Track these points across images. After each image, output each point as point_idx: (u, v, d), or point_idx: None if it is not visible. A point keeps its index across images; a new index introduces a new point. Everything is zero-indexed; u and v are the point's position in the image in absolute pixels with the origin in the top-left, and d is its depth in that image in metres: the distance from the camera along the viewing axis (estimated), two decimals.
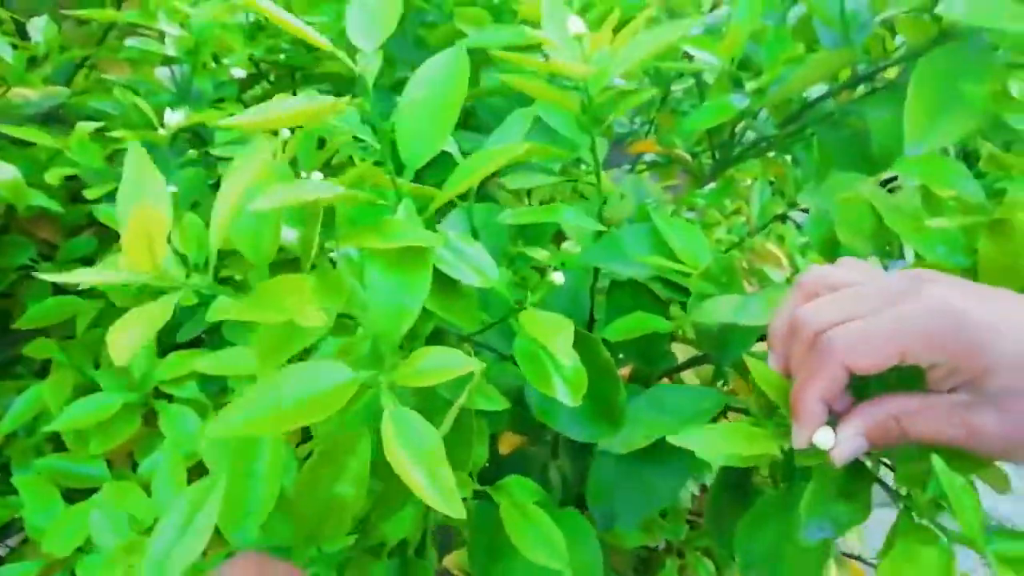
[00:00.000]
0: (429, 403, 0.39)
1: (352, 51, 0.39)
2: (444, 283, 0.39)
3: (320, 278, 0.35)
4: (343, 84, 0.84)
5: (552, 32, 0.44)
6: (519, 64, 0.45)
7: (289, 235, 0.38)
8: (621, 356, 0.55)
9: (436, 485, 0.30)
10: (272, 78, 0.86)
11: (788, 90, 0.50)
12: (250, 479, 0.38)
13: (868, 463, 0.39)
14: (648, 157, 0.98)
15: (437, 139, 0.38)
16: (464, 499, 0.45)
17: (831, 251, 0.46)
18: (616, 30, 0.44)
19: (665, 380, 0.61)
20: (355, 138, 0.53)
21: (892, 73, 0.55)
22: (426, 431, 0.32)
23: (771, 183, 0.97)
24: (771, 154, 0.76)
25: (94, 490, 0.58)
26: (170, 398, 0.58)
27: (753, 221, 0.85)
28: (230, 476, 0.38)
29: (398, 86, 0.84)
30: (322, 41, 0.37)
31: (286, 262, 0.39)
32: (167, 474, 0.51)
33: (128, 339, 0.31)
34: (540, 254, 0.50)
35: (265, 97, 0.88)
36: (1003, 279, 0.39)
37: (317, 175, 0.62)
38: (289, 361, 0.35)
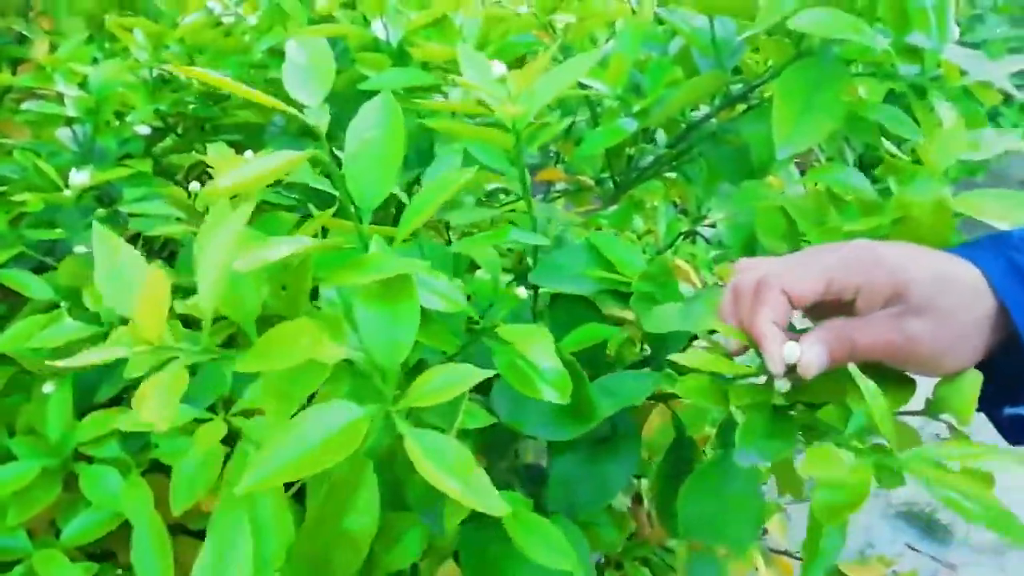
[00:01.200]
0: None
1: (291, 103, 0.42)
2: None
3: (319, 320, 0.36)
4: (252, 133, 0.85)
5: (473, 76, 0.48)
6: (439, 108, 0.48)
7: None
8: None
9: (472, 489, 0.33)
10: (180, 130, 0.86)
11: (668, 110, 0.55)
12: (258, 531, 0.39)
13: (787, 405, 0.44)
14: (561, 185, 1.01)
15: (388, 181, 0.41)
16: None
17: (751, 253, 0.51)
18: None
19: None
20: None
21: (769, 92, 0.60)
22: (449, 443, 0.34)
23: (675, 204, 1.01)
24: (671, 175, 0.80)
25: (16, 562, 0.56)
26: (90, 459, 0.57)
27: (660, 240, 0.89)
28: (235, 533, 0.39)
29: (307, 130, 0.85)
30: (271, 100, 0.40)
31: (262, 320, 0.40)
32: (148, 542, 0.51)
33: (155, 406, 0.34)
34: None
35: (175, 150, 0.88)
36: None
37: None
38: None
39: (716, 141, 0.57)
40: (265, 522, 0.39)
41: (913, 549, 1.37)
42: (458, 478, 0.33)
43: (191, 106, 0.81)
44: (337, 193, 0.42)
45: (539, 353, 0.41)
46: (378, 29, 0.69)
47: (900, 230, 0.45)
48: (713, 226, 1.01)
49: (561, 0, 0.64)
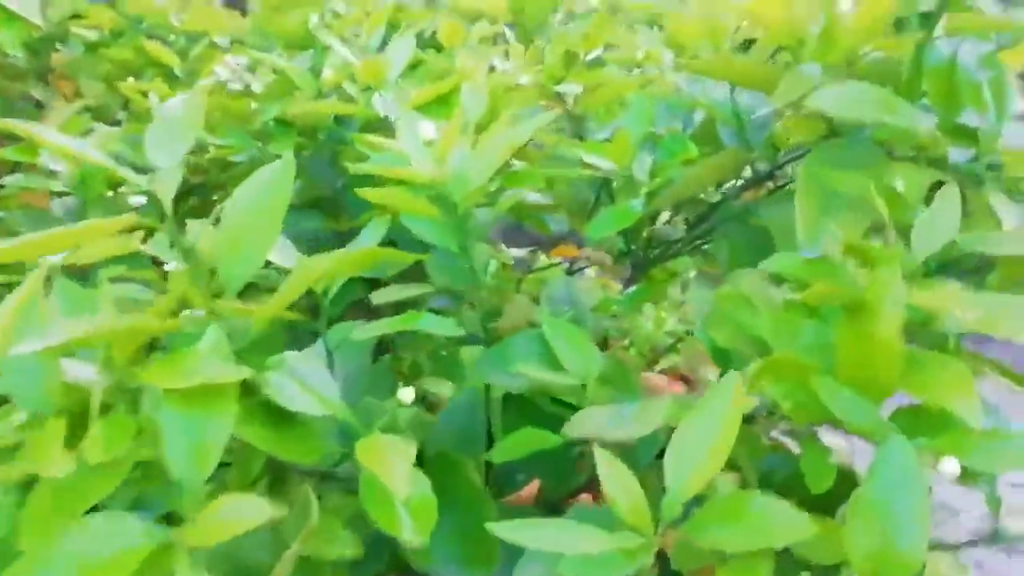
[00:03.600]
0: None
1: None
2: (278, 414, 0.34)
3: (106, 422, 0.31)
4: None
5: (407, 143, 0.42)
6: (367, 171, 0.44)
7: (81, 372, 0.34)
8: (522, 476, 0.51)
9: None
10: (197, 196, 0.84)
11: (679, 192, 0.48)
12: None
13: None
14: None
15: (260, 252, 0.36)
16: None
17: (724, 360, 0.42)
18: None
19: (586, 496, 0.56)
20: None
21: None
22: None
23: None
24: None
25: None
26: None
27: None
28: None
29: (316, 203, 0.82)
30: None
31: None
32: None
33: None
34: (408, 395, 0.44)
35: (193, 215, 0.86)
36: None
37: None
38: None
39: (739, 222, 0.50)
40: None
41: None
42: None
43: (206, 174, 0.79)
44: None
45: (393, 473, 0.32)
46: (379, 104, 0.66)
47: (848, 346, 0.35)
48: None
49: (570, 69, 0.59)
